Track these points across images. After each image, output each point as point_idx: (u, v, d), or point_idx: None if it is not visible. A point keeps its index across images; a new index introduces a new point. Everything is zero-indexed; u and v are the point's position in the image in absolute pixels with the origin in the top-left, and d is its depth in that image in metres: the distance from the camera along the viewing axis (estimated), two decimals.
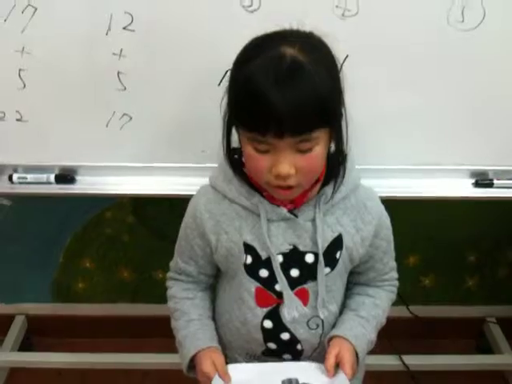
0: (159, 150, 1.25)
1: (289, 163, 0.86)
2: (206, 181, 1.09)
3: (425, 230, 1.81)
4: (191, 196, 1.07)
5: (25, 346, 1.92)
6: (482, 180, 1.27)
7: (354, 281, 1.10)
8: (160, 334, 1.74)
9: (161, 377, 1.80)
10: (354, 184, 1.00)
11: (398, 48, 1.15)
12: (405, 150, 1.25)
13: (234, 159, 0.98)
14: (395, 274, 1.11)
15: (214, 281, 1.11)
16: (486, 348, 1.96)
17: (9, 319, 1.95)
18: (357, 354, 1.00)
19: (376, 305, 1.07)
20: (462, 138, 1.25)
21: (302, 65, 0.82)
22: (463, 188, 1.28)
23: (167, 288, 1.11)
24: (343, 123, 0.91)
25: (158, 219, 1.79)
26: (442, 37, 1.14)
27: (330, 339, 1.01)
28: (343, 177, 0.96)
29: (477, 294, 1.98)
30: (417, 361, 1.78)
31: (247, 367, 0.96)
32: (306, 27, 0.91)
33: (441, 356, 1.82)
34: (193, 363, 1.02)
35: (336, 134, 0.91)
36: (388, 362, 1.76)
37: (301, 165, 0.87)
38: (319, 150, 0.88)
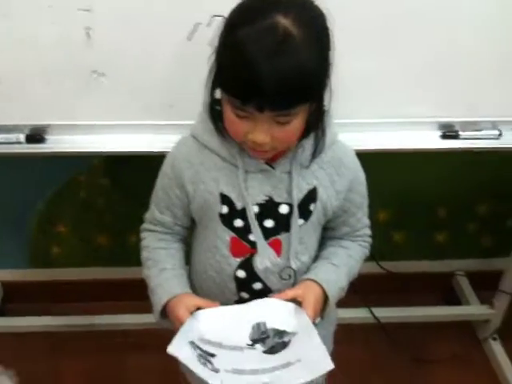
0: (130, 107, 1.24)
1: (264, 133, 0.88)
2: (176, 138, 1.10)
3: (395, 185, 1.84)
4: (164, 153, 1.07)
5: (0, 312, 1.92)
6: (449, 132, 1.30)
7: (328, 236, 1.11)
8: (137, 297, 1.78)
9: (139, 337, 1.82)
10: (331, 139, 1.01)
11: (368, 13, 1.17)
12: (373, 104, 1.26)
13: (216, 110, 0.98)
14: (368, 231, 1.13)
15: (188, 233, 1.12)
16: (455, 301, 2.02)
17: None
18: (327, 299, 1.01)
19: (349, 255, 1.09)
20: (430, 91, 1.27)
21: (294, 40, 0.82)
22: (430, 140, 1.30)
23: (141, 239, 1.12)
24: (327, 93, 0.92)
25: (133, 182, 1.77)
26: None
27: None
28: (323, 137, 0.98)
29: (447, 249, 2.03)
30: (387, 313, 1.84)
31: (215, 313, 0.97)
32: None
33: (410, 308, 1.89)
34: (165, 312, 1.03)
35: (317, 103, 0.92)
36: (359, 314, 1.81)
37: (277, 135, 0.89)
38: (297, 123, 0.90)
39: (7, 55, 1.18)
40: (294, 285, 1.05)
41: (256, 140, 0.89)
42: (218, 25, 1.12)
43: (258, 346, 0.95)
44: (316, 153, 0.98)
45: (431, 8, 1.19)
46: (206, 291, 1.09)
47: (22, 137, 1.25)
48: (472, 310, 1.92)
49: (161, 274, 1.05)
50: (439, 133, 1.31)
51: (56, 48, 1.17)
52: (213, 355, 0.94)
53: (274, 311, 0.97)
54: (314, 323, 0.97)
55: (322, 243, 1.11)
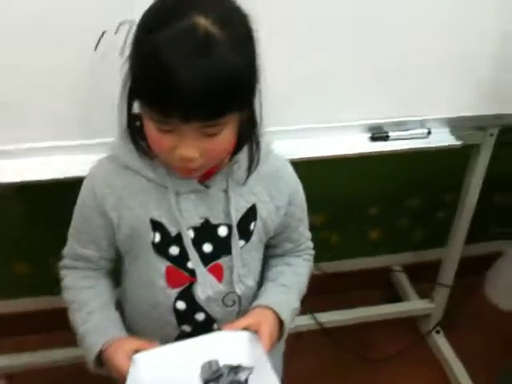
0: (38, 128, 1.12)
1: (193, 147, 0.80)
2: (95, 158, 1.00)
3: (326, 188, 1.81)
4: (79, 177, 0.97)
5: None
6: (378, 133, 1.27)
7: (270, 254, 1.05)
8: (63, 327, 1.68)
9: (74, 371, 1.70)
10: (265, 150, 0.94)
11: (298, 15, 1.12)
12: (301, 110, 1.21)
13: (135, 128, 0.88)
14: (311, 244, 1.08)
15: (113, 266, 1.02)
16: (395, 297, 2.03)
17: None
18: (281, 323, 0.95)
19: (296, 273, 1.03)
20: (356, 93, 1.23)
21: (216, 41, 0.74)
22: (360, 143, 1.27)
23: (61, 278, 1.00)
24: (256, 101, 0.85)
25: (47, 204, 1.65)
26: None
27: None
28: (258, 149, 0.90)
29: (381, 246, 2.04)
30: (330, 317, 1.81)
31: (157, 355, 0.88)
32: None
33: (353, 310, 1.86)
34: (101, 360, 0.93)
35: (248, 112, 0.85)
36: (303, 322, 1.77)
37: (207, 148, 0.81)
38: (228, 133, 0.82)
39: None
40: (239, 312, 0.98)
41: (184, 155, 0.80)
42: (126, 32, 1.06)
43: None
44: (252, 167, 0.91)
45: (359, 9, 1.16)
46: (143, 328, 1.00)
47: None
48: (413, 305, 1.92)
49: (89, 317, 0.94)
50: (368, 135, 1.27)
51: None
52: None
53: (225, 345, 0.88)
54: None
55: (265, 262, 1.05)
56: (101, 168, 0.94)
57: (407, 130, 1.28)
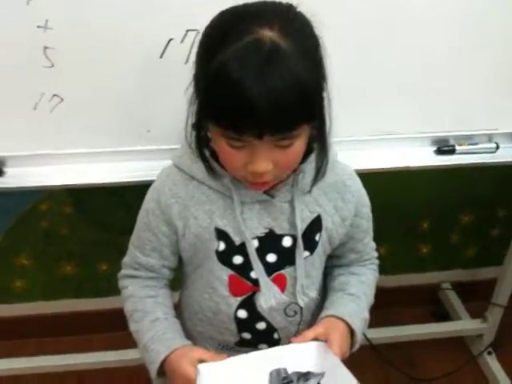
0: (97, 134, 1.12)
1: (266, 161, 0.78)
2: (152, 165, 0.99)
3: (376, 198, 1.77)
4: (135, 183, 0.96)
5: None
6: (444, 147, 1.22)
7: (334, 264, 1.03)
8: (109, 329, 1.67)
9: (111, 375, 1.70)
10: (331, 161, 0.92)
11: (356, 21, 1.09)
12: (363, 120, 1.18)
13: (199, 137, 0.87)
14: (375, 254, 1.05)
15: (173, 276, 1.01)
16: (443, 314, 1.97)
17: None
18: (352, 333, 0.92)
19: (362, 282, 1.00)
20: (421, 104, 1.20)
21: (284, 53, 0.72)
22: (425, 156, 1.23)
23: (121, 288, 1.00)
24: (326, 110, 0.83)
25: (98, 208, 1.67)
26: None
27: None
28: (326, 158, 0.88)
29: (431, 261, 1.98)
30: (378, 334, 1.76)
31: (228, 363, 0.85)
32: None
33: (401, 327, 1.82)
34: (162, 369, 0.91)
35: (318, 123, 0.82)
36: None
37: (279, 161, 0.80)
38: (300, 144, 0.80)
39: None
40: (300, 322, 0.97)
41: (258, 170, 0.79)
42: (192, 40, 1.05)
43: None
44: (318, 176, 0.89)
45: (420, 18, 1.12)
46: (202, 333, 0.99)
47: None
48: (464, 325, 1.87)
49: (153, 326, 0.93)
50: (433, 148, 1.23)
51: (11, 69, 1.04)
52: None
53: (293, 354, 0.86)
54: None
55: (329, 272, 1.03)
56: (166, 177, 0.93)
57: (474, 144, 1.22)
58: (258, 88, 0.71)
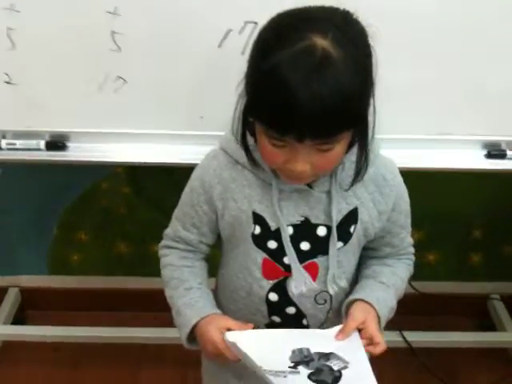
0: (155, 116, 1.19)
1: (305, 162, 0.81)
2: (204, 150, 1.03)
3: (429, 203, 1.75)
4: (190, 165, 1.01)
5: (18, 319, 1.88)
6: (495, 151, 1.21)
7: (369, 255, 1.04)
8: (158, 308, 1.73)
9: (159, 351, 1.77)
10: (374, 155, 0.93)
11: (408, 21, 1.10)
12: (415, 120, 1.19)
13: (246, 128, 0.90)
14: (412, 249, 1.05)
15: (210, 252, 1.05)
16: (490, 326, 1.92)
17: (2, 292, 1.91)
18: (378, 320, 0.93)
19: (394, 273, 1.01)
20: (474, 108, 1.20)
21: (334, 62, 0.74)
22: (475, 159, 1.22)
23: (161, 256, 1.05)
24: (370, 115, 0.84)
25: (155, 190, 1.74)
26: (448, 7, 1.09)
27: (350, 304, 0.95)
28: (366, 160, 0.89)
29: (481, 271, 1.94)
30: (418, 337, 1.75)
31: (253, 334, 0.89)
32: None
33: (443, 333, 1.79)
34: (193, 334, 0.96)
35: (361, 129, 0.84)
36: (389, 338, 1.70)
37: (318, 163, 0.82)
38: (340, 148, 0.82)
39: (25, 56, 1.13)
40: (329, 310, 0.98)
41: (295, 170, 0.82)
42: (250, 32, 1.09)
43: (302, 369, 0.86)
44: (358, 177, 0.90)
45: (477, 23, 1.12)
46: (235, 312, 1.02)
47: (42, 143, 1.20)
48: (509, 336, 1.81)
49: (187, 293, 0.98)
50: (484, 152, 1.22)
51: (79, 51, 1.12)
52: None
53: (320, 338, 0.89)
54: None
55: (363, 262, 1.04)
56: (212, 158, 0.97)
57: None
58: (304, 92, 0.73)
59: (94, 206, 1.78)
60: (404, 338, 1.73)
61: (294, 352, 0.87)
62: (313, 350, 0.87)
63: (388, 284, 0.98)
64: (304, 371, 0.85)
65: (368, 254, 1.03)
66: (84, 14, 1.08)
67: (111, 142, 1.20)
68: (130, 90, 1.15)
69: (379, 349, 0.90)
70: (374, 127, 0.86)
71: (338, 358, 0.87)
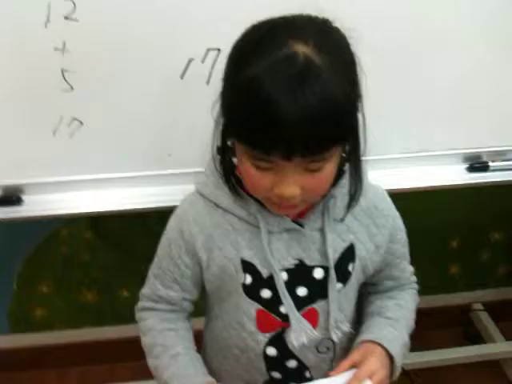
0: (118, 158, 1.10)
1: (294, 185, 0.73)
2: (173, 189, 0.95)
3: (404, 217, 1.71)
4: (157, 209, 0.93)
5: None
6: (477, 163, 1.17)
7: (370, 291, 0.97)
8: (132, 357, 1.63)
9: None
10: (364, 184, 0.86)
11: (382, 36, 1.06)
12: (390, 138, 1.14)
13: (227, 163, 0.83)
14: (414, 278, 1.00)
15: (193, 309, 0.96)
16: (475, 335, 1.90)
17: None
18: (391, 359, 0.87)
19: (400, 305, 0.94)
20: (451, 121, 1.16)
21: (318, 69, 0.68)
22: (457, 174, 1.19)
23: (139, 320, 0.95)
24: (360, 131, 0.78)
25: (119, 233, 1.65)
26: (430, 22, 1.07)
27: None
28: (360, 183, 0.83)
29: (461, 281, 1.92)
30: (409, 359, 1.67)
31: None
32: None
33: (431, 352, 1.75)
34: None
35: (352, 144, 0.78)
36: None
37: (308, 185, 0.74)
38: (330, 167, 0.75)
39: None
40: (333, 359, 0.91)
41: (284, 194, 0.73)
42: (213, 60, 1.02)
43: None
44: (353, 203, 0.84)
45: (451, 34, 1.10)
46: (228, 371, 0.94)
47: None
48: (499, 347, 1.79)
49: (174, 361, 0.88)
50: (465, 165, 1.18)
51: (29, 93, 1.02)
52: None
53: None
54: None
55: (364, 299, 0.97)
56: (189, 205, 0.89)
57: (508, 160, 1.17)
58: (289, 104, 0.66)
59: (55, 254, 1.67)
60: None
61: None
62: None
63: (396, 318, 0.92)
64: None
65: (368, 289, 0.97)
66: (30, 53, 0.99)
67: (71, 191, 1.10)
68: (87, 132, 1.06)
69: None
70: (365, 147, 0.80)
71: None
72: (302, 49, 0.68)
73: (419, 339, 1.73)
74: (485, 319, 1.90)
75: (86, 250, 1.67)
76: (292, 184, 0.73)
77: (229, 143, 0.80)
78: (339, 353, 0.91)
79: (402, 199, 1.58)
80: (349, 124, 0.73)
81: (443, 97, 1.13)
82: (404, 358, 0.91)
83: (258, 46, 0.71)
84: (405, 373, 1.63)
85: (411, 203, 1.66)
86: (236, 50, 0.74)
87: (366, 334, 0.89)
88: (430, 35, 1.08)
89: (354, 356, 0.85)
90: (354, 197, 0.83)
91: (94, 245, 1.66)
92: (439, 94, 1.13)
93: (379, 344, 0.86)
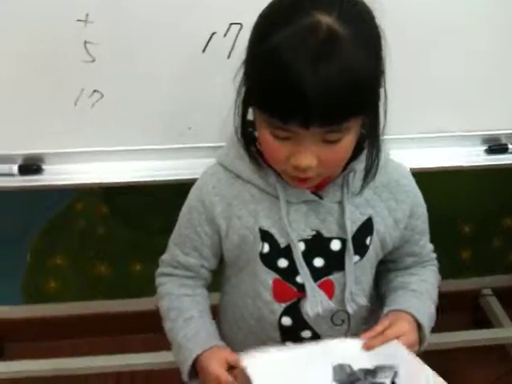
0: (138, 131, 1.10)
1: (311, 155, 0.74)
2: (193, 163, 0.96)
3: None
4: (178, 181, 0.94)
5: None
6: (495, 146, 1.17)
7: (390, 268, 0.98)
8: (143, 329, 1.66)
9: (147, 377, 1.68)
10: (384, 159, 0.87)
11: (406, 16, 1.05)
12: (410, 118, 1.13)
13: (249, 135, 0.84)
14: (434, 255, 1.00)
15: (211, 277, 0.98)
16: (484, 321, 1.90)
17: None
18: (419, 328, 0.87)
19: (423, 280, 0.95)
20: (471, 102, 1.15)
21: (340, 40, 0.69)
22: (475, 156, 1.18)
23: (158, 285, 0.97)
24: (381, 105, 0.78)
25: (134, 208, 1.66)
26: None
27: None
28: (377, 157, 0.84)
29: (472, 267, 1.93)
30: None
31: (272, 360, 0.81)
32: None
33: (441, 334, 1.73)
34: (194, 368, 0.89)
35: (371, 118, 0.78)
36: None
37: (325, 157, 0.75)
38: (349, 140, 0.76)
39: None
40: (347, 331, 0.92)
41: (300, 164, 0.75)
42: (235, 34, 1.02)
43: None
44: (369, 177, 0.85)
45: (468, 19, 1.09)
46: (242, 340, 0.95)
47: (14, 168, 1.10)
48: (506, 332, 1.79)
49: (188, 324, 0.91)
50: (484, 147, 1.18)
51: (51, 64, 1.03)
52: None
53: (354, 350, 0.81)
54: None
55: (385, 277, 0.98)
56: (211, 175, 0.91)
57: None
58: (310, 72, 0.68)
59: (70, 228, 1.70)
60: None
61: (335, 369, 0.80)
62: (355, 367, 0.80)
63: (421, 291, 0.92)
64: None
65: (389, 267, 0.97)
66: (53, 24, 0.99)
67: (90, 162, 1.11)
68: (107, 104, 1.07)
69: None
70: (385, 123, 0.80)
71: (385, 368, 0.80)
72: (325, 19, 0.69)
73: None
74: (494, 305, 1.90)
75: (100, 224, 1.69)
76: (309, 154, 0.74)
77: (249, 117, 0.81)
78: (354, 326, 0.92)
79: (418, 183, 1.61)
80: (368, 97, 0.74)
81: (464, 78, 1.13)
82: (430, 329, 0.91)
83: (282, 15, 0.72)
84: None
85: (426, 187, 1.67)
86: (261, 19, 0.75)
87: (393, 306, 0.89)
88: (455, 14, 1.08)
89: (384, 321, 0.86)
90: (369, 172, 0.84)
91: (109, 219, 1.68)
92: (460, 75, 1.12)
93: (407, 313, 0.87)
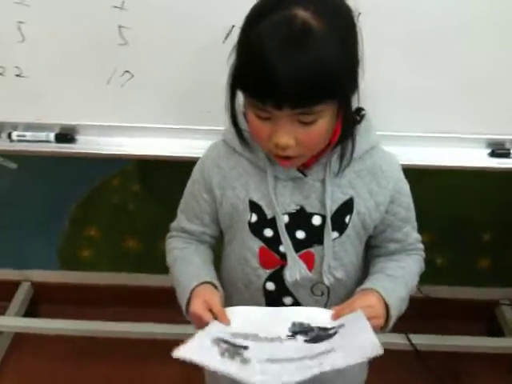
0: (162, 111, 1.21)
1: (287, 134, 0.82)
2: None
3: (438, 206, 1.75)
4: (196, 159, 1.03)
5: (30, 312, 1.92)
6: (499, 150, 1.21)
7: (375, 254, 1.04)
8: (165, 305, 1.75)
9: (167, 347, 1.76)
10: (369, 145, 0.94)
11: (411, 15, 1.10)
12: (418, 117, 1.19)
13: (236, 114, 0.93)
14: (421, 245, 1.04)
15: (215, 243, 1.07)
16: (499, 332, 1.90)
17: (14, 285, 1.95)
18: (387, 309, 0.91)
19: (402, 267, 0.99)
20: (479, 106, 1.19)
21: (312, 31, 0.77)
22: (478, 158, 1.22)
23: (167, 245, 1.07)
24: (355, 96, 0.86)
25: (164, 188, 1.75)
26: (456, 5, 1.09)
27: None
28: (353, 143, 0.91)
29: (490, 276, 1.92)
30: (424, 340, 1.73)
31: (249, 310, 0.92)
32: None
33: (449, 337, 1.76)
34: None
35: (345, 106, 0.85)
36: (394, 340, 1.71)
37: (301, 137, 0.83)
38: (323, 124, 0.83)
39: (35, 50, 1.15)
40: (327, 303, 0.99)
41: (279, 142, 0.83)
42: None
43: (300, 337, 0.87)
44: (344, 160, 0.91)
45: (479, 19, 1.11)
46: (235, 305, 1.01)
47: (51, 136, 1.23)
48: None
49: (190, 266, 0.99)
50: (488, 150, 1.22)
51: (88, 45, 1.14)
52: (245, 347, 0.84)
53: (315, 314, 0.90)
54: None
55: (370, 262, 1.04)
56: (212, 149, 1.01)
57: None
58: (282, 60, 0.76)
59: (104, 202, 1.81)
60: (409, 340, 1.71)
61: (294, 324, 0.88)
62: (314, 325, 0.87)
63: (395, 275, 0.97)
64: (301, 338, 0.86)
65: (374, 252, 1.03)
66: (92, 9, 1.11)
67: (118, 136, 1.22)
68: (137, 84, 1.18)
69: (377, 322, 0.88)
70: (363, 114, 0.89)
71: (336, 327, 0.86)
72: (301, 13, 0.77)
73: (439, 326, 1.79)
74: (509, 315, 1.89)
75: (132, 201, 1.79)
76: (286, 133, 0.82)
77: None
78: (333, 299, 0.98)
79: (437, 189, 1.64)
80: (335, 84, 0.80)
81: (471, 81, 1.16)
82: (400, 313, 0.94)
83: (266, 9, 0.81)
84: (417, 353, 1.70)
85: (446, 193, 1.70)
86: (251, 10, 0.84)
87: (364, 285, 0.95)
88: (465, 15, 1.10)
89: (354, 297, 0.91)
90: (343, 157, 0.91)
91: (140, 197, 1.78)
92: (467, 78, 1.16)
93: (377, 291, 0.91)
